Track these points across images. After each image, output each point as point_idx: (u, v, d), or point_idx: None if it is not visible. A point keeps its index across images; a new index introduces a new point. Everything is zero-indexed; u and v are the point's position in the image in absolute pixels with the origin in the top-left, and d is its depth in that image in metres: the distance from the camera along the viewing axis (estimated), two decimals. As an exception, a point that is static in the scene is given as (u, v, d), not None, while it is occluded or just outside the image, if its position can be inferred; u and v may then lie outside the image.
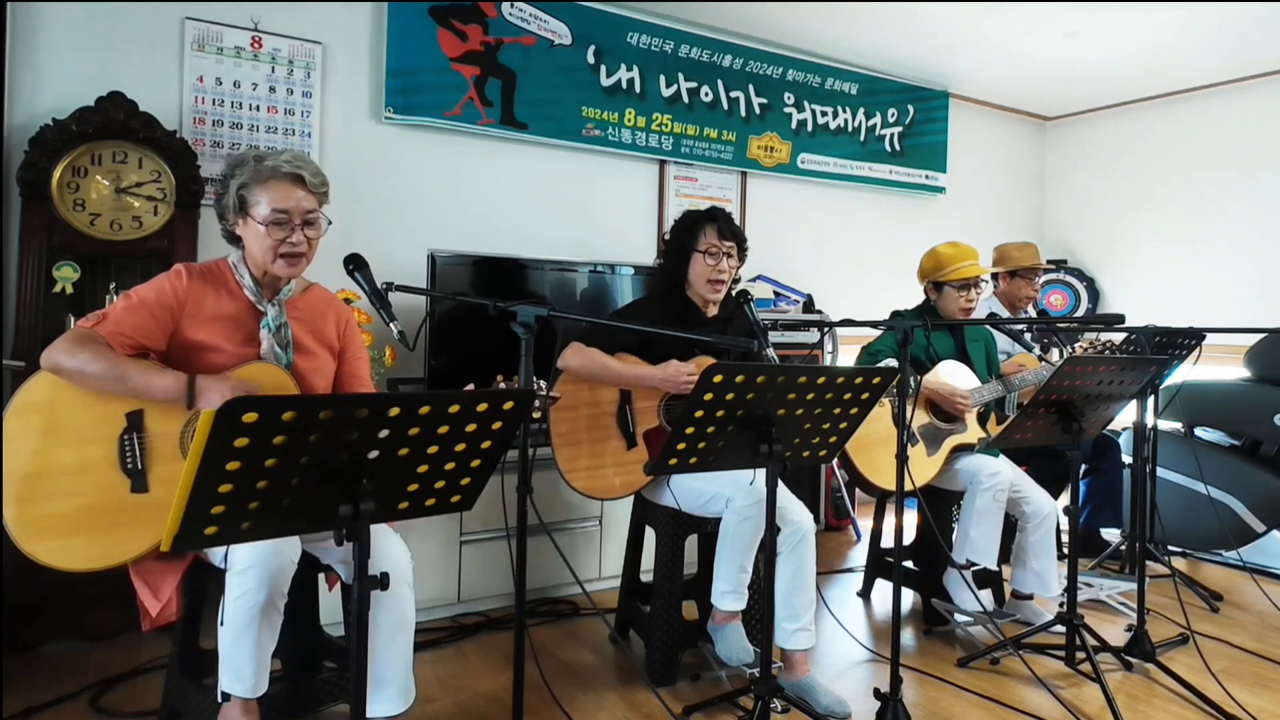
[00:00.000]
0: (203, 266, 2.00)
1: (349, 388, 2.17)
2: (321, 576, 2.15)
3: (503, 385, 1.93)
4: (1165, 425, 3.97)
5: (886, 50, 4.75)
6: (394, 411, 1.29)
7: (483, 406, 1.39)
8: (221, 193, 1.99)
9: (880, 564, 3.37)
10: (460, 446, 1.42)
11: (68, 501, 1.75)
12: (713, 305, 2.72)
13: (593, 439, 2.58)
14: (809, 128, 4.77)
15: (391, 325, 1.92)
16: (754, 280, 4.39)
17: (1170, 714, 2.45)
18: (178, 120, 3.12)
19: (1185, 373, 3.36)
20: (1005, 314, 3.74)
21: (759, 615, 2.52)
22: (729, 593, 2.45)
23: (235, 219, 1.97)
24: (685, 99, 4.32)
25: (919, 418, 3.00)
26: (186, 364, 1.91)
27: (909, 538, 3.40)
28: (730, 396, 1.80)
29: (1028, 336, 3.58)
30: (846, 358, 4.25)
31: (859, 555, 3.87)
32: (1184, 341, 3.38)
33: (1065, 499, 2.81)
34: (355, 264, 2.01)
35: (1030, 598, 3.05)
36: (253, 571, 1.72)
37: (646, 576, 2.80)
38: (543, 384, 1.82)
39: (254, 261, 1.99)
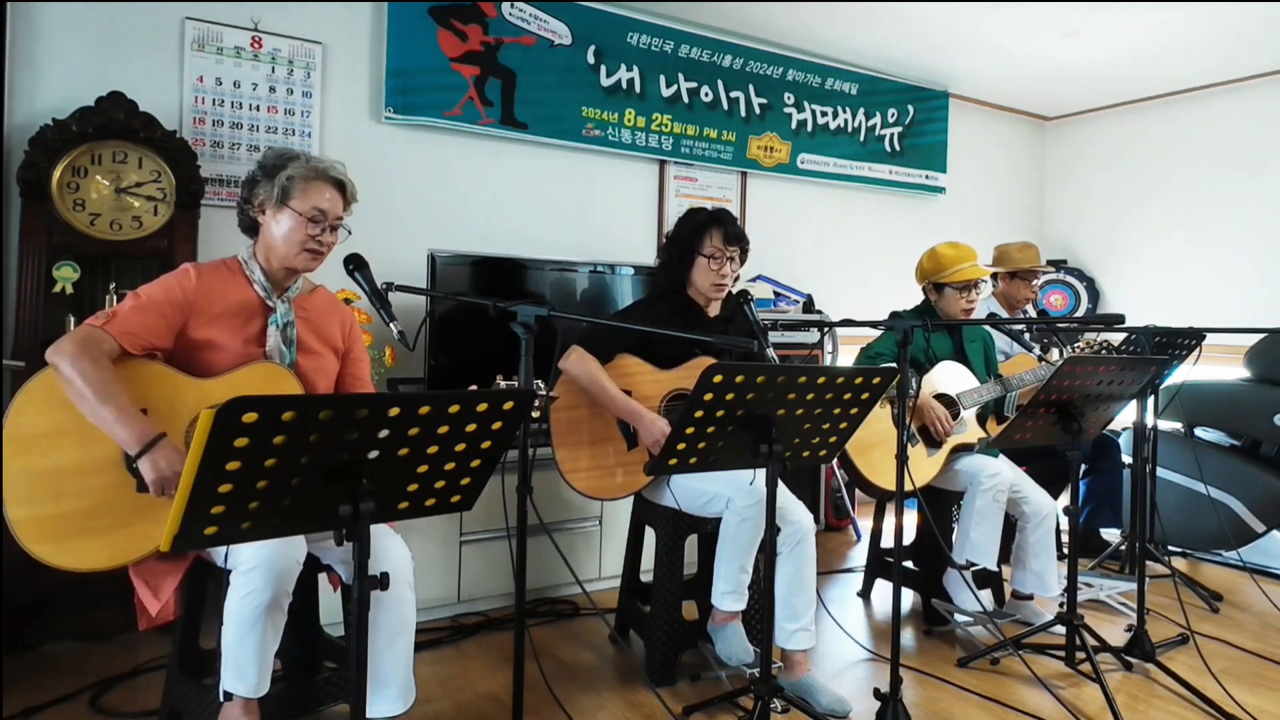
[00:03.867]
0: (211, 264, 2.01)
1: (350, 390, 2.18)
2: (323, 577, 2.15)
3: (503, 385, 1.94)
4: (1165, 425, 3.97)
5: (886, 50, 4.75)
6: (394, 411, 1.29)
7: (483, 406, 1.39)
8: (260, 177, 2.00)
9: (880, 564, 3.37)
10: (460, 446, 1.42)
11: (72, 502, 1.75)
12: (714, 305, 2.72)
13: (593, 439, 2.58)
14: (809, 128, 4.77)
15: (391, 325, 1.92)
16: (754, 280, 4.39)
17: (1170, 714, 2.45)
18: (178, 120, 3.12)
19: (1185, 373, 3.35)
20: (1004, 314, 3.74)
21: (759, 615, 2.52)
22: (729, 593, 2.45)
23: (271, 205, 1.99)
24: (685, 99, 4.32)
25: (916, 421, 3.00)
26: (190, 362, 1.91)
27: (909, 538, 3.40)
28: (730, 396, 1.80)
29: (1027, 336, 3.58)
30: (846, 358, 4.25)
31: (859, 555, 3.87)
32: (1184, 341, 3.38)
33: (1065, 499, 2.81)
34: (355, 264, 2.01)
35: (1030, 598, 3.05)
36: (259, 571, 1.72)
37: (646, 576, 2.80)
38: (541, 384, 1.82)
39: (272, 253, 2.01)
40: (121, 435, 1.73)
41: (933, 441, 2.99)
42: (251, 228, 2.05)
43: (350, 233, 2.09)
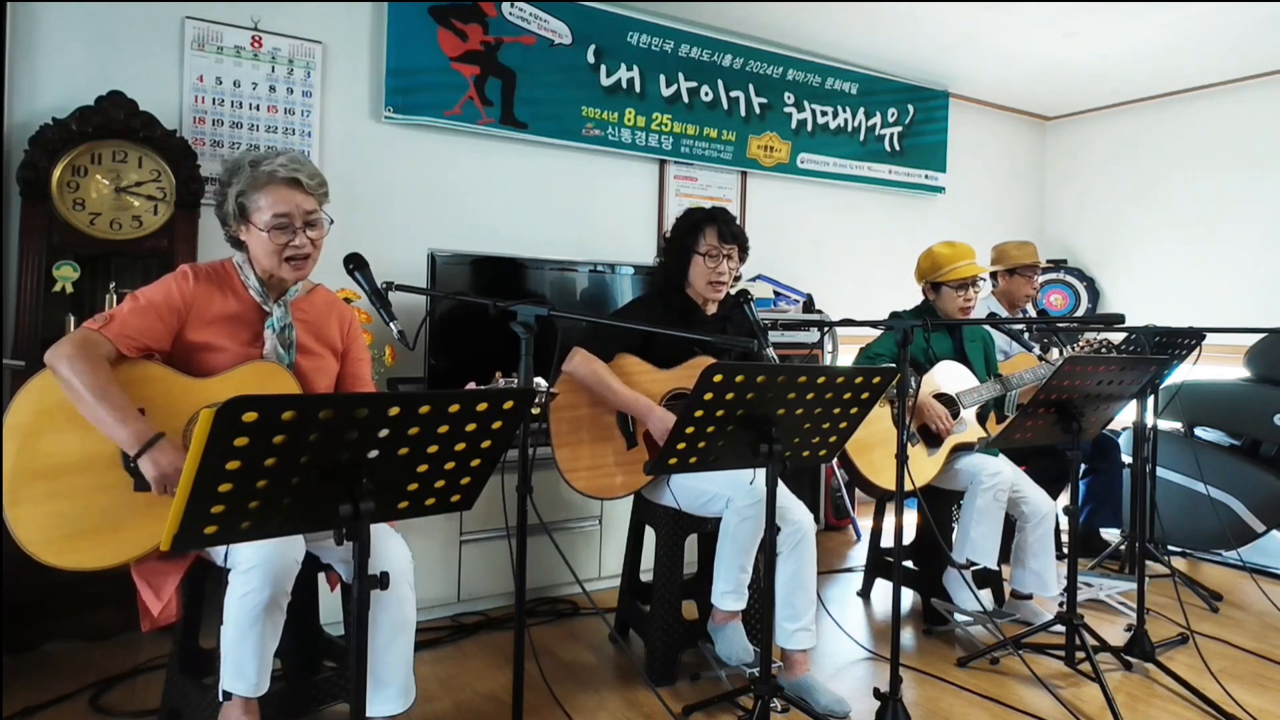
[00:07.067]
0: (208, 267, 2.00)
1: (350, 389, 2.17)
2: (322, 576, 2.15)
3: (501, 381, 1.94)
4: (1165, 425, 3.97)
5: (886, 50, 4.75)
6: (394, 411, 1.29)
7: (483, 406, 1.39)
8: (221, 200, 1.99)
9: (880, 564, 3.37)
10: (460, 446, 1.42)
11: (71, 501, 1.75)
12: (712, 304, 2.72)
13: (593, 439, 2.58)
14: (809, 127, 4.77)
15: (391, 325, 1.92)
16: (754, 280, 4.39)
17: (1170, 714, 2.45)
18: (178, 120, 3.12)
19: (1185, 373, 3.36)
20: (1004, 313, 3.74)
21: (759, 615, 2.52)
22: (729, 592, 2.45)
23: (237, 226, 1.98)
24: (685, 99, 4.32)
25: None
26: (189, 363, 1.91)
27: (909, 537, 3.40)
28: (730, 396, 1.80)
29: (1027, 336, 3.59)
30: (846, 357, 4.25)
31: (859, 555, 3.87)
32: (1184, 341, 3.38)
33: (1065, 499, 2.81)
34: (355, 263, 2.01)
35: (1030, 597, 3.05)
36: (257, 570, 1.72)
37: (646, 576, 2.80)
38: (543, 381, 1.82)
39: (260, 265, 1.99)
40: (120, 435, 1.73)
41: (933, 441, 2.99)
42: (239, 245, 2.03)
43: (332, 221, 2.03)
